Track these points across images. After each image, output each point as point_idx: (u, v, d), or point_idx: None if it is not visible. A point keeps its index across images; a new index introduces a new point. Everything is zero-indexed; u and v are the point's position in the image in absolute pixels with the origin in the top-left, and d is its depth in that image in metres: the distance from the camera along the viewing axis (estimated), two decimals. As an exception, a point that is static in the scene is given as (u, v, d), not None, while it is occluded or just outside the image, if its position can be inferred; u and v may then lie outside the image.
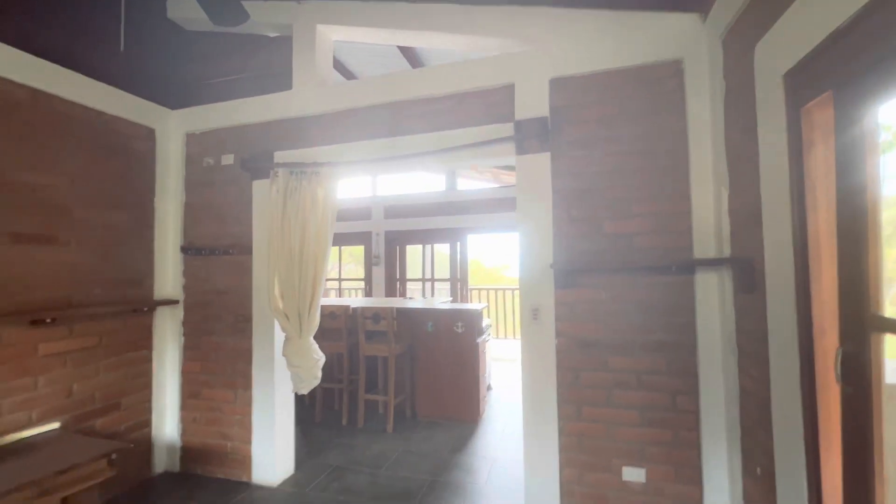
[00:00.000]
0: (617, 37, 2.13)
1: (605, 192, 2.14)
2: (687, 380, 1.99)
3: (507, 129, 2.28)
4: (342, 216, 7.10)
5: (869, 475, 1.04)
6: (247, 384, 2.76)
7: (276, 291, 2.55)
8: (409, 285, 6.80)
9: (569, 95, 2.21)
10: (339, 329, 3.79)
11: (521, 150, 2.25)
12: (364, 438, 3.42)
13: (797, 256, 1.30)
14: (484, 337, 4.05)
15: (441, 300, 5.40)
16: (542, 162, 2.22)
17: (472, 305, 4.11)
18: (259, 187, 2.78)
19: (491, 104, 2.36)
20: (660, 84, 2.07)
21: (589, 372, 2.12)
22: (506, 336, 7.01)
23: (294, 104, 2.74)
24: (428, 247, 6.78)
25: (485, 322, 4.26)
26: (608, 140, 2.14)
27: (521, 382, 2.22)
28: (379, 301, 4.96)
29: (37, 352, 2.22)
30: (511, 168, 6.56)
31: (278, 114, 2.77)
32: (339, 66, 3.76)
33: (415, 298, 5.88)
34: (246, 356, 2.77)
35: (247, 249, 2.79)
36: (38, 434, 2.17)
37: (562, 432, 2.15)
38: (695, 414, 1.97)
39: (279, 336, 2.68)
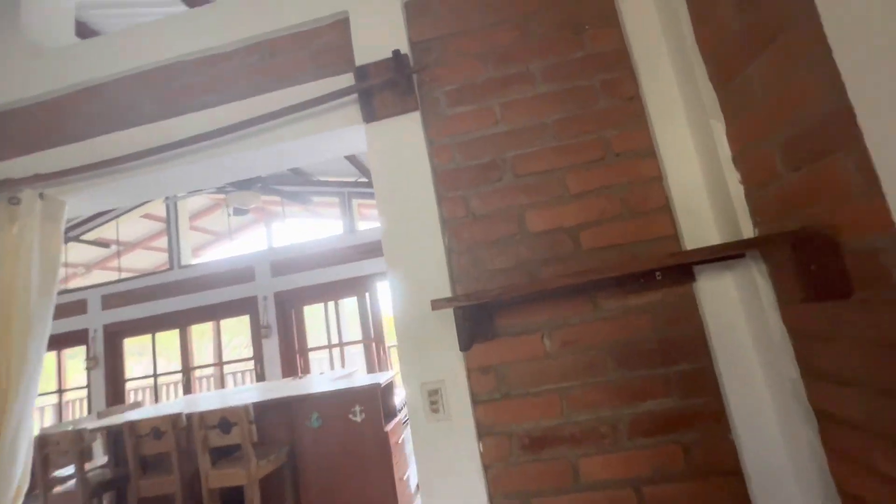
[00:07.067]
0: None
1: (517, 165, 1.25)
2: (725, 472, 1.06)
3: (347, 81, 1.35)
4: (217, 281, 5.62)
5: None
6: None
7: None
8: (312, 356, 5.43)
9: (438, 22, 1.36)
10: (166, 455, 2.41)
11: (369, 113, 1.31)
12: None
13: None
14: (398, 419, 2.90)
15: (347, 371, 4.17)
16: (408, 129, 1.30)
17: (371, 378, 2.97)
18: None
19: (318, 51, 1.42)
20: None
21: (549, 498, 1.10)
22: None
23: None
24: (331, 304, 5.52)
25: (398, 397, 3.12)
26: (508, 81, 1.29)
27: (428, 538, 1.14)
28: (232, 394, 3.61)
29: None
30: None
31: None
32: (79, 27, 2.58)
33: (323, 374, 4.55)
34: None
35: None
36: None
37: None
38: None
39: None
